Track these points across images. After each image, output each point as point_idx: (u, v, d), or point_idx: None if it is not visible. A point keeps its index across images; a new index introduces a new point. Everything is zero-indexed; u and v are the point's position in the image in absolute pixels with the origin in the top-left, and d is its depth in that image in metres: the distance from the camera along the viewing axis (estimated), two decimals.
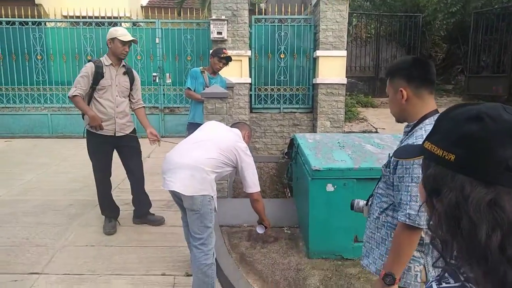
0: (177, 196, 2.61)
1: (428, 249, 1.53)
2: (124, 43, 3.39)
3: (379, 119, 7.89)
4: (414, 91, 1.54)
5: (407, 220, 1.43)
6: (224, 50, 4.47)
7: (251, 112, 7.05)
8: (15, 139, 7.23)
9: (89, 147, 3.60)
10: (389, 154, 1.65)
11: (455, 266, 0.67)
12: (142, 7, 13.41)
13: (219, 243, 3.48)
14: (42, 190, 4.75)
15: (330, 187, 3.15)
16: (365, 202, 1.82)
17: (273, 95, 7.09)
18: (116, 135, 3.53)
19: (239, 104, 6.73)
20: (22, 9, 7.28)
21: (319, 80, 6.75)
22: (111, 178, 3.77)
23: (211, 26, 6.41)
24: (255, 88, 7.05)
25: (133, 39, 3.47)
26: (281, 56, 6.93)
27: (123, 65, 3.55)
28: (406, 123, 1.65)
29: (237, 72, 6.61)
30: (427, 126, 1.49)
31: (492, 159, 0.64)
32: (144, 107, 3.81)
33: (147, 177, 4.44)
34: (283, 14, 7.01)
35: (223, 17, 6.40)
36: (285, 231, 3.78)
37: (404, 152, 0.91)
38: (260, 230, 3.27)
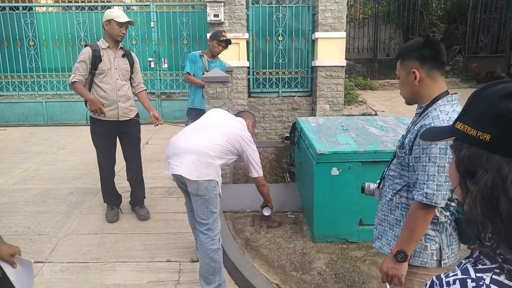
0: (181, 181, 2.58)
1: (443, 228, 1.54)
2: (121, 24, 3.29)
3: (378, 102, 7.86)
4: (427, 72, 1.52)
5: (424, 199, 1.43)
6: (223, 33, 4.36)
7: (249, 96, 6.97)
8: (10, 128, 7.12)
9: (93, 133, 3.53)
10: (403, 135, 1.64)
11: (491, 248, 0.66)
12: None
13: (223, 228, 3.47)
14: (41, 179, 4.69)
15: (335, 171, 3.12)
16: (376, 185, 1.80)
17: (272, 78, 7.00)
18: (120, 119, 3.45)
19: (237, 88, 6.64)
20: None
21: (318, 62, 6.66)
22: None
23: (208, 8, 6.26)
24: (253, 72, 6.95)
25: (129, 21, 3.37)
26: (279, 39, 6.81)
27: (121, 48, 3.45)
28: (416, 105, 1.63)
29: (234, 55, 6.50)
30: (441, 106, 1.48)
31: None
32: (145, 90, 3.73)
33: (146, 164, 4.40)
34: None
35: None
36: (289, 215, 3.77)
37: (432, 134, 0.88)
38: (266, 212, 3.39)
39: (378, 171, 3.24)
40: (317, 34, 6.55)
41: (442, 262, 1.55)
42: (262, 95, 7.04)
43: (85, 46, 3.40)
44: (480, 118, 0.68)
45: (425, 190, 1.44)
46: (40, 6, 7.28)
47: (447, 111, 1.46)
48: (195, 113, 4.15)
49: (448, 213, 1.53)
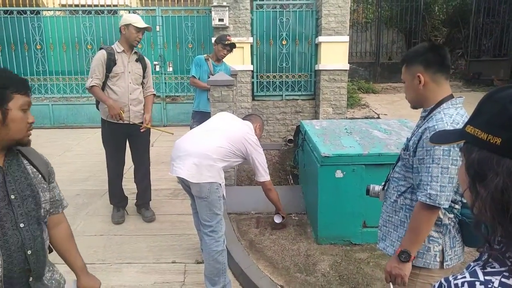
0: (185, 183, 2.63)
1: (446, 230, 1.56)
2: (138, 29, 3.35)
3: (380, 105, 7.88)
4: (431, 77, 1.55)
5: (427, 200, 1.46)
6: (228, 37, 4.42)
7: (253, 99, 7.02)
8: None
9: (103, 135, 3.60)
10: (407, 138, 1.67)
11: (500, 251, 0.66)
12: None
13: (228, 230, 3.51)
14: None
15: (339, 174, 3.16)
16: (381, 187, 1.84)
17: (275, 82, 7.05)
18: (130, 122, 3.50)
19: (241, 92, 6.70)
20: None
21: (321, 66, 6.70)
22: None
23: (213, 12, 6.33)
24: (257, 76, 7.00)
25: (147, 26, 3.43)
26: (283, 43, 6.87)
27: (135, 52, 3.51)
28: (422, 109, 1.66)
29: (239, 59, 6.56)
30: (445, 109, 1.51)
31: None
32: (154, 94, 3.76)
33: (151, 166, 4.43)
34: None
35: (224, 3, 6.32)
36: (293, 217, 3.80)
37: (441, 137, 0.89)
38: (277, 219, 3.39)
39: (381, 173, 3.28)
40: (321, 38, 6.61)
41: (445, 264, 1.57)
42: (266, 99, 7.09)
43: (100, 49, 3.46)
44: (491, 122, 0.68)
45: (428, 191, 1.46)
46: (47, 10, 7.38)
47: (451, 114, 1.49)
48: (200, 116, 4.22)
49: (451, 215, 1.55)
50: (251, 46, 6.76)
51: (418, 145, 1.52)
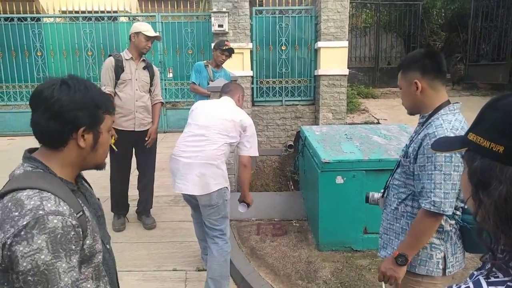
0: (190, 196, 2.60)
1: (447, 236, 1.56)
2: (148, 38, 3.40)
3: (380, 110, 7.90)
4: (428, 83, 1.56)
5: (432, 207, 1.45)
6: (226, 42, 4.45)
7: (253, 105, 7.03)
8: (17, 137, 7.19)
9: None
10: (406, 144, 1.67)
11: (504, 260, 0.66)
12: (138, 0, 13.27)
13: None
14: None
15: (339, 179, 3.16)
16: (380, 194, 1.83)
17: (275, 87, 7.07)
18: (136, 130, 3.51)
19: None
20: (20, 5, 7.18)
21: (320, 71, 6.72)
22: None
23: (212, 18, 6.36)
24: (256, 81, 7.02)
25: (156, 35, 3.47)
26: (282, 48, 6.89)
27: (143, 60, 3.54)
28: (419, 115, 1.66)
29: (238, 65, 6.58)
30: (444, 116, 1.52)
31: None
32: (162, 103, 3.77)
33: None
34: (283, 5, 6.95)
35: (224, 9, 6.35)
36: (294, 224, 3.80)
37: (443, 144, 0.88)
38: (242, 209, 2.88)
39: (382, 179, 3.28)
40: (320, 44, 6.63)
41: (447, 271, 1.57)
42: (266, 104, 7.10)
43: (109, 56, 3.50)
44: (493, 130, 0.68)
45: (432, 199, 1.46)
46: (47, 17, 7.41)
47: (450, 120, 1.49)
48: None
49: (453, 222, 1.55)
50: (251, 52, 6.78)
51: (418, 152, 1.52)
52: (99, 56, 7.21)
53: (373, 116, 7.48)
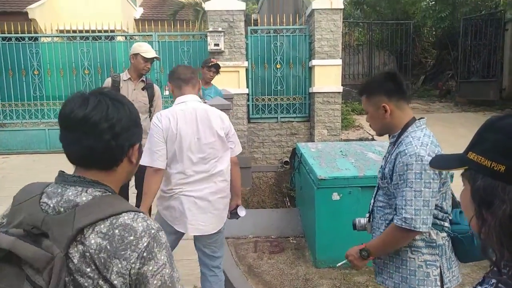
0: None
1: (442, 251, 1.57)
2: (146, 59, 3.39)
3: None
4: (395, 104, 1.62)
5: (403, 224, 1.48)
6: (212, 59, 4.58)
7: (249, 122, 7.10)
8: (12, 155, 7.17)
9: None
10: (382, 166, 1.71)
11: (508, 276, 0.67)
12: (135, 20, 13.49)
13: (226, 255, 3.50)
14: None
15: (335, 196, 3.20)
16: (366, 219, 1.84)
17: (270, 104, 7.15)
18: None
19: (237, 114, 6.78)
20: (18, 25, 7.27)
21: (315, 89, 6.83)
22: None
23: (208, 38, 6.48)
24: (252, 99, 7.11)
25: (156, 56, 3.48)
26: (277, 66, 7.01)
27: (142, 80, 3.52)
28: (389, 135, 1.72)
29: (234, 82, 6.67)
30: (412, 133, 1.58)
31: None
32: None
33: None
34: (278, 24, 7.11)
35: (220, 29, 6.48)
36: (291, 241, 3.81)
37: (441, 162, 0.90)
38: (242, 212, 2.57)
39: None
40: (314, 62, 6.76)
41: (445, 287, 1.57)
42: (261, 121, 7.18)
43: (108, 77, 3.56)
44: (495, 150, 0.69)
45: (403, 215, 1.49)
46: (45, 36, 7.51)
47: (418, 136, 1.55)
48: None
49: (444, 234, 1.57)
50: (246, 70, 6.89)
51: (393, 171, 1.56)
52: (96, 75, 7.28)
53: (367, 132, 7.56)
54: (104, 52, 7.30)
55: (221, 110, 4.02)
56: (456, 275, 1.62)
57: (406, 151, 1.51)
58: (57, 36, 7.57)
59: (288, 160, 7.03)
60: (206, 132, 2.24)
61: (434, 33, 12.70)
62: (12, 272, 0.79)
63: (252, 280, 3.15)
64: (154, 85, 3.64)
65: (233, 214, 2.53)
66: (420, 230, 1.47)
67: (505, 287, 0.67)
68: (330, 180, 3.18)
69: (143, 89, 3.51)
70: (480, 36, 9.41)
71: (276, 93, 7.11)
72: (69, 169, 1.11)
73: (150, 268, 0.86)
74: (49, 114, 7.44)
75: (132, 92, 3.46)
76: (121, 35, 7.80)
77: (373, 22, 10.56)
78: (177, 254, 3.54)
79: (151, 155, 2.17)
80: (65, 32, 7.43)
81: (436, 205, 1.53)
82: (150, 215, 3.73)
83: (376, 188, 1.75)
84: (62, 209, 0.85)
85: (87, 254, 0.82)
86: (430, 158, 1.44)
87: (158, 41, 7.35)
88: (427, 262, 1.56)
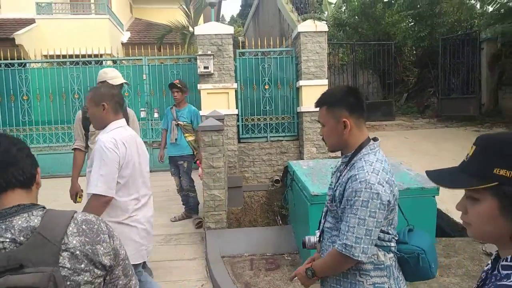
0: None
1: (390, 272, 1.52)
2: (113, 86, 3.13)
3: None
4: (355, 121, 1.54)
5: (343, 250, 1.44)
6: (174, 81, 4.79)
7: (239, 142, 7.20)
8: None
9: None
10: (331, 184, 1.65)
11: None
12: (122, 44, 13.65)
13: (222, 274, 3.52)
14: None
15: None
16: (316, 238, 1.74)
17: (260, 124, 7.29)
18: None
19: (227, 135, 6.88)
20: (1, 51, 7.29)
21: (303, 108, 7.01)
22: None
23: (198, 61, 6.63)
24: (242, 119, 7.24)
25: (122, 83, 3.28)
26: (266, 87, 7.19)
27: None
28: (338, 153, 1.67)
29: (224, 104, 6.81)
30: (365, 156, 1.51)
31: None
32: None
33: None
34: (265, 47, 7.33)
35: (209, 52, 6.65)
36: (286, 257, 3.85)
37: (457, 180, 0.87)
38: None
39: None
40: (301, 82, 6.97)
41: None
42: (252, 140, 7.29)
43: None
44: None
45: (344, 241, 1.44)
46: (35, 62, 7.56)
47: (371, 161, 1.48)
48: (171, 160, 4.78)
49: (391, 255, 1.53)
50: (236, 91, 7.05)
51: (344, 195, 1.49)
52: (85, 99, 7.32)
53: None
54: (94, 76, 7.37)
55: (213, 131, 4.15)
56: None
57: (357, 176, 1.44)
58: (46, 62, 7.63)
59: (279, 178, 7.12)
60: (143, 157, 2.32)
61: (414, 52, 13.20)
62: None
63: None
64: (129, 109, 3.42)
65: None
66: (359, 259, 1.42)
67: None
68: (323, 196, 3.27)
69: None
70: (458, 54, 9.85)
71: (265, 113, 7.26)
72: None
73: (117, 242, 1.06)
74: (38, 139, 7.41)
75: None
76: (111, 60, 7.91)
77: (356, 43, 10.94)
78: (174, 275, 3.57)
79: (108, 183, 2.06)
80: (54, 57, 7.49)
81: (381, 230, 1.48)
82: None
83: (325, 207, 1.68)
84: (23, 238, 0.89)
85: (77, 253, 0.93)
86: (380, 187, 1.41)
87: (148, 65, 7.48)
88: (376, 285, 1.50)
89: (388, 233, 1.51)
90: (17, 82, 7.26)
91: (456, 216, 4.69)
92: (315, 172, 3.91)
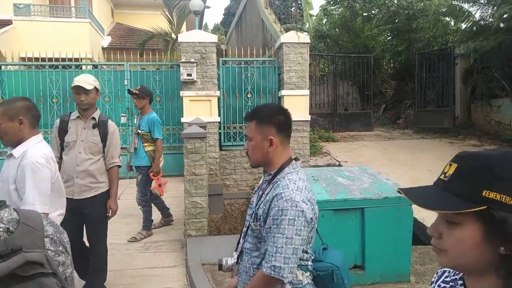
0: None
1: None
2: (75, 90, 2.92)
3: (341, 153, 8.34)
4: (281, 140, 1.55)
5: (272, 272, 1.40)
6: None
7: (220, 149, 7.22)
8: None
9: None
10: (253, 206, 1.60)
11: None
12: (103, 48, 13.50)
13: (203, 282, 3.51)
14: None
15: None
16: (234, 260, 1.67)
17: (242, 132, 7.33)
18: (74, 197, 2.90)
19: (209, 142, 6.88)
20: None
21: None
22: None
23: (181, 68, 6.64)
24: (224, 126, 7.26)
25: (77, 85, 2.89)
26: (248, 96, 7.26)
27: (93, 117, 3.01)
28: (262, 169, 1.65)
29: (206, 111, 6.83)
30: (288, 175, 1.51)
31: None
32: (118, 166, 3.10)
33: (119, 219, 4.38)
34: (248, 56, 7.42)
35: (192, 60, 6.67)
36: None
37: (444, 203, 0.77)
38: None
39: (348, 218, 3.52)
40: (283, 92, 7.07)
41: None
42: (233, 148, 7.31)
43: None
44: None
45: (273, 263, 1.40)
46: (11, 64, 7.37)
47: (295, 180, 1.48)
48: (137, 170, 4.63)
49: (308, 273, 1.53)
50: (218, 99, 7.08)
51: (268, 213, 1.46)
52: (64, 103, 7.20)
53: (334, 159, 7.87)
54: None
55: (196, 138, 4.16)
56: None
57: (283, 194, 1.43)
58: (23, 65, 7.46)
59: None
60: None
61: (392, 65, 13.60)
62: (32, 284, 0.94)
63: None
64: (109, 121, 3.08)
65: None
66: (287, 279, 1.41)
67: None
68: None
69: (94, 127, 2.99)
70: (433, 69, 10.22)
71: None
72: None
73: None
74: None
75: (82, 131, 2.98)
76: (92, 64, 7.80)
77: (336, 54, 11.18)
78: (153, 283, 3.53)
79: (45, 200, 2.04)
80: (33, 60, 7.34)
81: (302, 250, 1.47)
82: None
83: (245, 228, 1.62)
84: (11, 228, 1.02)
85: (55, 238, 1.09)
86: (304, 205, 1.42)
87: (130, 70, 7.42)
88: None
89: (307, 252, 1.50)
90: None
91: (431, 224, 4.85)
92: None
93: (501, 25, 8.51)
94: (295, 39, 6.98)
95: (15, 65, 7.37)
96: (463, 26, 10.45)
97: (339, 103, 10.71)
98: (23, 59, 8.03)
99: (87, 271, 3.11)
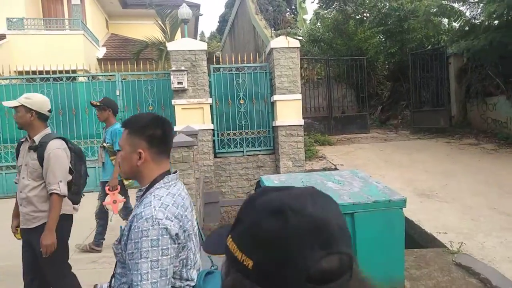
0: None
1: None
2: (14, 110, 2.62)
3: (336, 156, 8.30)
4: (152, 156, 1.42)
5: None
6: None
7: (215, 157, 7.18)
8: None
9: None
10: (121, 226, 1.47)
11: None
12: (98, 59, 13.52)
13: None
14: None
15: None
16: (108, 284, 1.53)
17: (236, 139, 7.30)
18: (22, 226, 2.61)
19: (203, 150, 6.85)
20: None
21: (278, 122, 7.08)
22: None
23: (172, 76, 6.63)
24: (217, 134, 7.24)
25: (12, 105, 2.63)
26: (241, 102, 7.24)
27: (32, 138, 2.60)
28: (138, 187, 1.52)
29: (199, 119, 6.81)
30: (156, 190, 1.39)
31: (291, 267, 0.52)
32: (56, 194, 2.53)
33: (109, 232, 4.23)
34: (239, 62, 7.41)
35: (182, 68, 6.66)
36: None
37: (213, 244, 0.70)
38: None
39: None
40: (275, 97, 7.05)
41: None
42: (228, 155, 7.28)
43: None
44: (246, 237, 0.56)
45: None
46: (2, 79, 7.37)
47: (161, 195, 1.36)
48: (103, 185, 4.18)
49: None
50: (211, 106, 7.06)
51: (128, 236, 1.31)
52: (57, 116, 7.18)
53: (330, 162, 7.83)
54: (66, 93, 7.25)
55: (183, 147, 4.12)
56: None
57: (143, 213, 1.29)
58: (15, 78, 7.45)
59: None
60: None
61: (387, 67, 13.61)
62: None
63: None
64: (51, 142, 2.59)
65: None
66: None
67: None
68: None
69: (30, 149, 2.58)
70: (427, 69, 10.21)
71: (240, 127, 7.29)
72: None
73: None
74: (6, 157, 7.18)
75: (26, 154, 2.61)
76: (83, 76, 7.80)
77: (330, 58, 11.18)
78: None
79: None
80: (23, 73, 7.33)
81: (174, 273, 1.34)
82: None
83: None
84: None
85: None
86: (168, 222, 1.29)
87: (122, 81, 7.41)
88: None
89: (181, 278, 1.37)
90: None
91: (427, 226, 4.79)
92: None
93: (495, 22, 8.51)
94: (284, 44, 6.98)
95: (6, 79, 7.37)
96: (456, 25, 10.46)
97: (334, 106, 10.70)
98: (19, 72, 8.02)
99: None
